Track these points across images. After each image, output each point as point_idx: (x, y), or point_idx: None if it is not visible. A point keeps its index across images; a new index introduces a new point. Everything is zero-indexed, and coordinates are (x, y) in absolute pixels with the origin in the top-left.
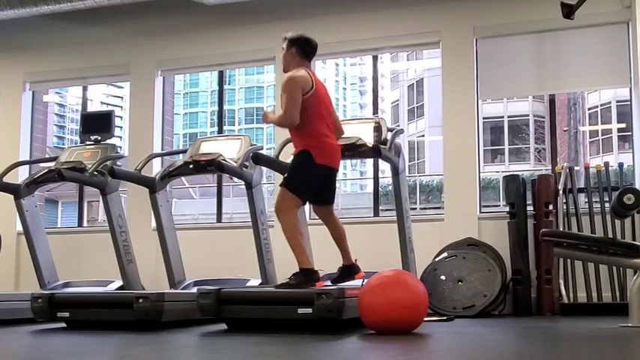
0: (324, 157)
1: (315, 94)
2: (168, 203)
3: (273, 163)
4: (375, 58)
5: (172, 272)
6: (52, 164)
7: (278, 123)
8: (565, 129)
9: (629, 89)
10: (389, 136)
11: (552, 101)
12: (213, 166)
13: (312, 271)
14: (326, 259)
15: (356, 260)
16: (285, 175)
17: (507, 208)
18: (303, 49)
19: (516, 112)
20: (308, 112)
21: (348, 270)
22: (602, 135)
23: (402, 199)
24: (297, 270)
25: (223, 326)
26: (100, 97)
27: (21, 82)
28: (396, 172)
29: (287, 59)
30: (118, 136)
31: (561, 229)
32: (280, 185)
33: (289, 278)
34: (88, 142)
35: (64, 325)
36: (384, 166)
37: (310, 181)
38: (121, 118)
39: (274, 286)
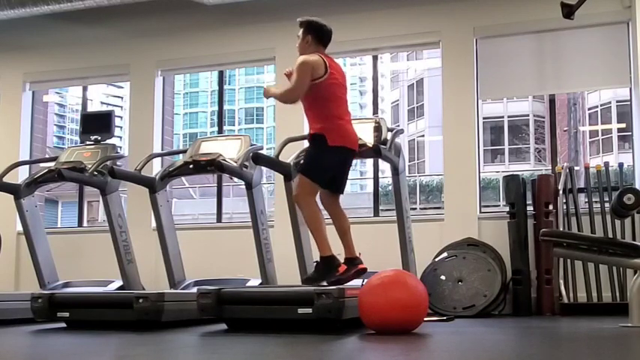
0: (337, 138)
1: (329, 78)
2: (168, 203)
3: (273, 163)
4: (375, 58)
5: (172, 272)
6: (52, 164)
7: (280, 97)
8: (565, 129)
9: (629, 89)
10: (389, 136)
11: (552, 101)
12: (213, 166)
13: (332, 257)
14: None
15: (360, 254)
16: (302, 161)
17: (507, 208)
18: (319, 36)
19: (516, 112)
20: (322, 95)
21: (351, 262)
22: (602, 135)
23: (402, 199)
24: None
25: (223, 326)
26: (100, 97)
27: (21, 82)
28: (396, 172)
29: (303, 47)
30: (118, 136)
31: (561, 229)
32: (298, 172)
33: (312, 272)
34: (88, 142)
35: (64, 325)
36: (384, 166)
37: (325, 165)
38: (121, 118)
39: (302, 280)
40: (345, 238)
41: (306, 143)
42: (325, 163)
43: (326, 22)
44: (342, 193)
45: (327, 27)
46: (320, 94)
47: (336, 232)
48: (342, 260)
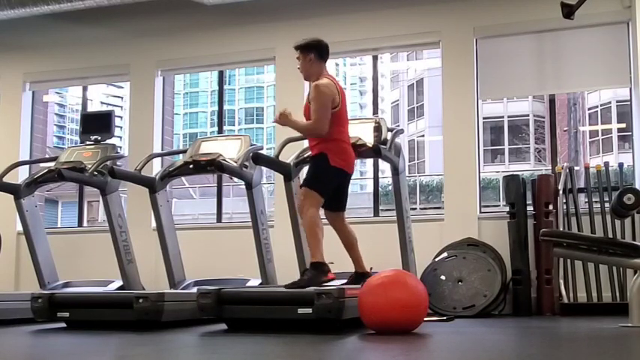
0: (339, 160)
1: (342, 106)
2: (168, 203)
3: (273, 163)
4: (375, 58)
5: (172, 272)
6: (52, 164)
7: (305, 131)
8: (565, 129)
9: (629, 89)
10: (389, 136)
11: (552, 101)
12: (213, 166)
13: (322, 263)
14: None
15: (371, 269)
16: (305, 177)
17: (507, 208)
18: (320, 53)
19: (516, 112)
20: (332, 121)
21: (361, 277)
22: (602, 135)
23: (402, 199)
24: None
25: (223, 326)
26: (100, 97)
27: (21, 82)
28: (396, 172)
29: (306, 67)
30: (118, 136)
31: (561, 229)
32: (301, 186)
33: (300, 277)
34: (88, 142)
35: (64, 325)
36: (384, 166)
37: (328, 181)
38: (121, 118)
39: (284, 285)
40: (353, 253)
41: (306, 143)
42: (327, 179)
43: (321, 39)
44: (345, 210)
45: (325, 42)
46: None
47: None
48: (353, 271)
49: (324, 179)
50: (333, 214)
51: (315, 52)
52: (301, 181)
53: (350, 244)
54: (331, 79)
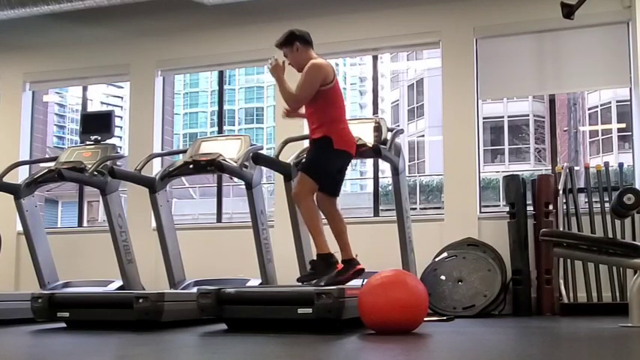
0: (342, 143)
1: (336, 84)
2: (168, 203)
3: (273, 163)
4: (375, 58)
5: (172, 272)
6: (52, 164)
7: (285, 94)
8: (565, 129)
9: (629, 89)
10: (389, 136)
11: (552, 101)
12: (213, 166)
13: (330, 255)
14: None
15: (356, 255)
16: (304, 160)
17: (507, 208)
18: (304, 39)
19: (516, 112)
20: (329, 100)
21: (348, 264)
22: (602, 135)
23: (402, 199)
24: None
25: (223, 326)
26: (100, 97)
27: (21, 82)
28: (396, 172)
29: (296, 57)
30: (118, 136)
31: (561, 229)
32: (299, 170)
33: (310, 270)
34: (88, 142)
35: (64, 325)
36: (384, 166)
37: (329, 166)
38: (121, 118)
39: (297, 279)
40: (342, 240)
41: (306, 143)
42: (328, 165)
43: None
44: (338, 195)
45: (301, 29)
46: (327, 99)
47: (332, 233)
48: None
49: (324, 165)
50: (327, 197)
51: (298, 41)
52: None
53: (340, 231)
54: (328, 62)
